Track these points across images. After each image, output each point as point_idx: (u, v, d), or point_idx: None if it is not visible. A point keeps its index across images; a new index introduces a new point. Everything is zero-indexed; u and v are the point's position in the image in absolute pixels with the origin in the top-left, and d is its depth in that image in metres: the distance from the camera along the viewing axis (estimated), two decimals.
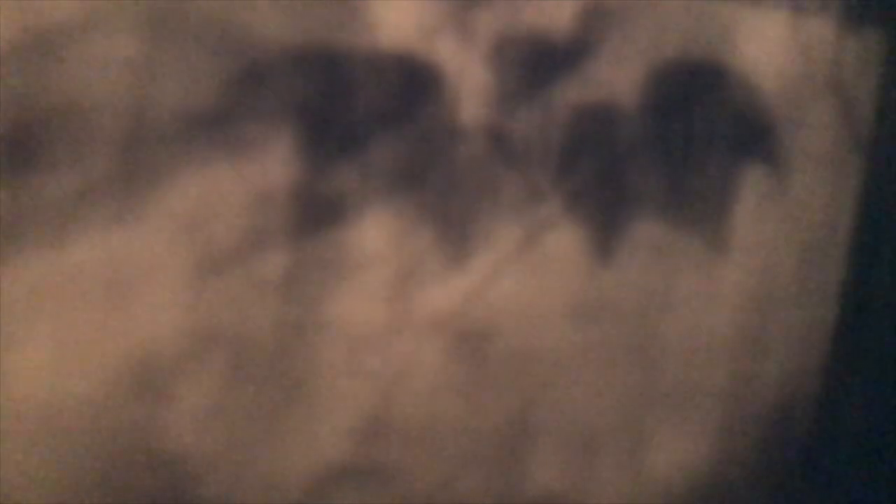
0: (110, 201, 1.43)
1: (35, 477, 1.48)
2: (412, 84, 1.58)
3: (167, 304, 1.48)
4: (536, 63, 1.66)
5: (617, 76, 1.72)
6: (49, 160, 1.39)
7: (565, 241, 1.74)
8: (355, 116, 1.55)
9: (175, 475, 1.54)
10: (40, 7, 1.38)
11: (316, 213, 1.55)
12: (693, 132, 1.80)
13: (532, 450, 1.79)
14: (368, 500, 1.67)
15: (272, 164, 1.51)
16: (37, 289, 1.42)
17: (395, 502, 1.70)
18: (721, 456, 1.95)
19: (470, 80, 1.62)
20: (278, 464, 1.60)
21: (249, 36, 1.48)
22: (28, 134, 1.38)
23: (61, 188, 1.41)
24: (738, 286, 1.89)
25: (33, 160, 1.38)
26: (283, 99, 1.50)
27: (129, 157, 1.43)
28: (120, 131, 1.43)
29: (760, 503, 2.00)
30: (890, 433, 2.08)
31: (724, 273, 1.88)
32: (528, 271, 1.72)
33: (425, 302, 1.65)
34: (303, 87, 1.51)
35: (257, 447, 1.58)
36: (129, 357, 1.48)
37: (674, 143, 1.79)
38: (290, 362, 1.57)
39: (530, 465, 1.79)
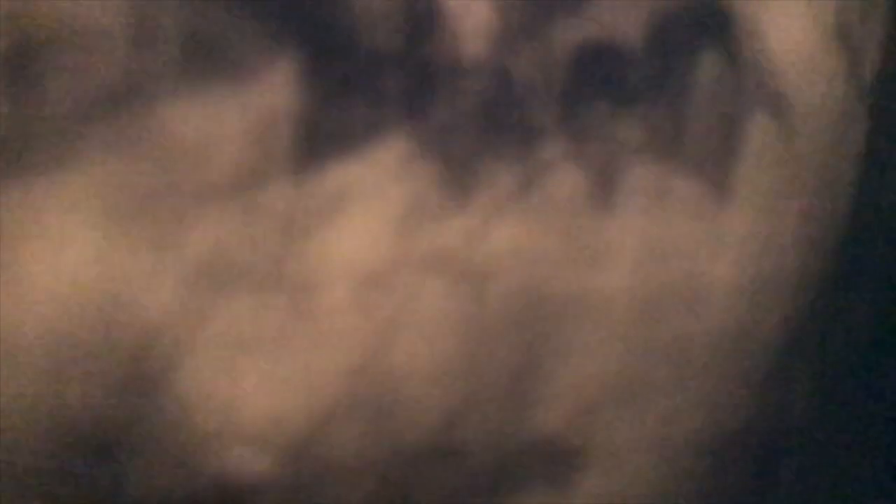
0: (109, 127, 1.43)
1: (32, 410, 1.48)
2: (414, 18, 1.57)
3: (166, 233, 1.48)
4: (540, 0, 1.65)
5: (622, 17, 1.71)
6: (48, 82, 1.39)
7: (567, 183, 1.73)
8: (356, 50, 1.55)
9: (169, 407, 1.54)
10: None
11: (316, 147, 1.55)
12: (697, 77, 1.79)
13: (533, 393, 1.78)
14: (368, 438, 1.67)
15: (274, 93, 1.50)
16: (35, 214, 1.42)
17: (396, 442, 1.69)
18: (720, 404, 1.94)
19: (472, 15, 1.61)
20: (277, 398, 1.59)
21: None
22: (27, 55, 1.38)
23: (60, 111, 1.40)
24: (740, 234, 1.89)
25: (32, 82, 1.38)
26: (285, 28, 1.50)
27: (129, 81, 1.43)
28: (119, 55, 1.42)
29: (759, 452, 2.00)
30: (891, 383, 2.08)
31: (726, 220, 1.87)
32: (529, 213, 1.72)
33: (426, 239, 1.64)
34: (305, 18, 1.51)
35: (255, 381, 1.58)
36: (125, 284, 1.48)
37: (678, 88, 1.78)
38: (289, 295, 1.57)
39: (531, 409, 1.79)
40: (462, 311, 1.70)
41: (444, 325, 1.69)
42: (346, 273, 1.60)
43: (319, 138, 1.54)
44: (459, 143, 1.64)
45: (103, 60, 1.41)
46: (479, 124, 1.65)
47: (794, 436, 2.02)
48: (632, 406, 1.87)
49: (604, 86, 1.72)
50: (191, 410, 1.55)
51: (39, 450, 1.50)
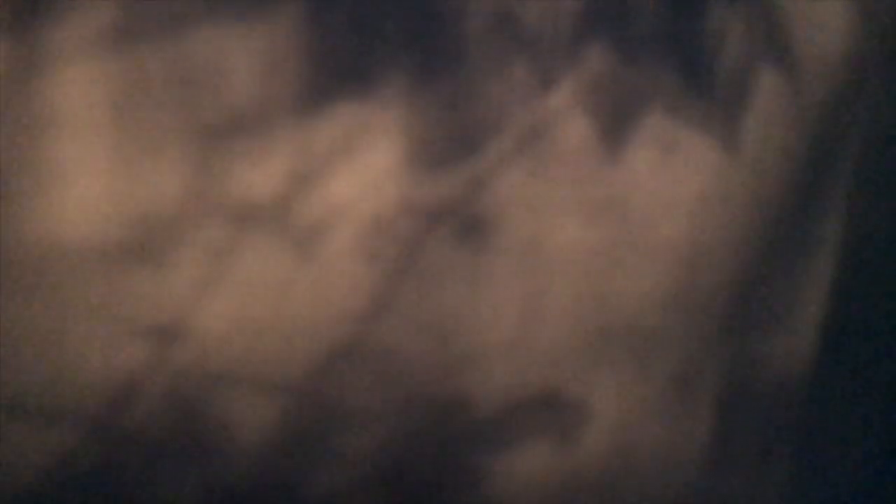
0: (111, 57, 1.43)
1: (37, 353, 1.48)
2: None
3: (170, 167, 1.48)
4: None
5: None
6: (54, 15, 1.39)
7: (574, 133, 1.73)
8: None
9: (173, 348, 1.54)
10: None
11: (323, 88, 1.54)
12: (707, 29, 1.79)
13: (536, 344, 1.78)
14: (372, 385, 1.67)
15: (280, 32, 1.50)
16: (41, 147, 1.42)
17: (398, 388, 1.69)
18: (728, 360, 1.94)
19: None
20: (281, 341, 1.59)
21: None
22: None
23: (62, 40, 1.40)
24: (746, 189, 1.88)
25: (34, 9, 1.38)
26: None
27: (133, 17, 1.43)
28: None
29: (767, 407, 2.00)
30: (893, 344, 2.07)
31: (733, 175, 1.87)
32: (535, 162, 1.71)
33: (432, 186, 1.64)
34: None
35: (259, 323, 1.58)
36: (129, 220, 1.48)
37: (687, 40, 1.78)
38: (294, 237, 1.57)
39: (533, 360, 1.79)
40: (466, 259, 1.70)
41: (447, 272, 1.69)
42: (351, 218, 1.60)
43: (326, 80, 1.54)
44: (466, 89, 1.64)
45: None
46: (486, 71, 1.65)
47: (801, 391, 2.02)
48: (638, 360, 1.87)
49: (613, 36, 1.72)
50: (191, 350, 1.55)
51: (45, 394, 1.50)
